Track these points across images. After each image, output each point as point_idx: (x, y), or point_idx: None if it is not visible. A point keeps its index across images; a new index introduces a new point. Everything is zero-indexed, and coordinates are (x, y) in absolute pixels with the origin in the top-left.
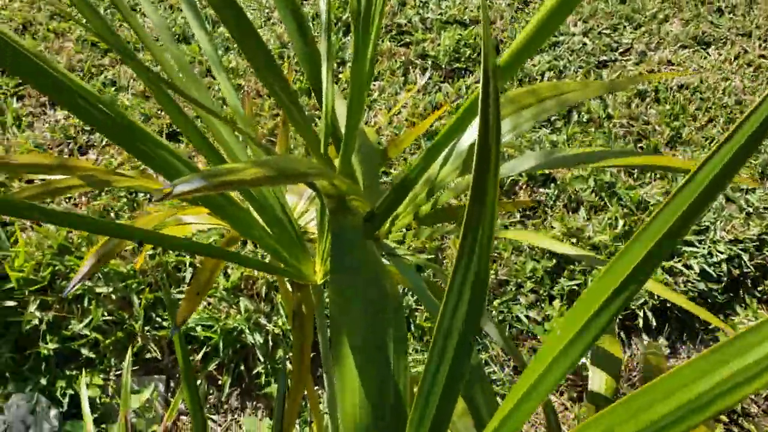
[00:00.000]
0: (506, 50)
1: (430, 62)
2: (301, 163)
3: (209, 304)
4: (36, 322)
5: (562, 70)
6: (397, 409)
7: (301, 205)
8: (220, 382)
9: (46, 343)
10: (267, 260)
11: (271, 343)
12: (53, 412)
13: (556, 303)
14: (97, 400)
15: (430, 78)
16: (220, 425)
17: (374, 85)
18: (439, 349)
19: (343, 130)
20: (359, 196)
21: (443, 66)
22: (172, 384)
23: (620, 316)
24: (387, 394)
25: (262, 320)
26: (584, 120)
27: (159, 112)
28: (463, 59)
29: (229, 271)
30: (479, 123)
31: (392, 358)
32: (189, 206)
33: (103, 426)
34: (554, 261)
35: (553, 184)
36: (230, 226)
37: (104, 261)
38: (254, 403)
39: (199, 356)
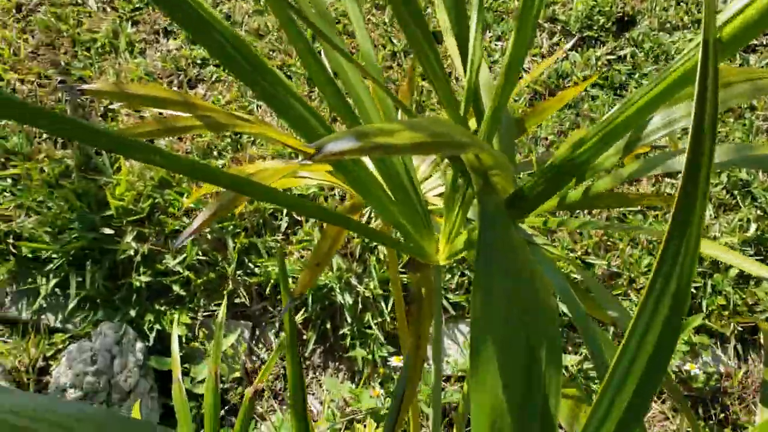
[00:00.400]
0: (731, 23)
1: (559, 27)
2: (457, 131)
3: (302, 257)
4: (131, 252)
5: None
6: (544, 417)
7: (423, 169)
8: (304, 337)
9: (139, 275)
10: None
11: (360, 306)
12: (139, 345)
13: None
14: (183, 339)
15: (557, 44)
16: None
17: (496, 44)
18: (620, 376)
19: (483, 92)
20: (507, 172)
21: (573, 32)
22: (257, 331)
23: (740, 328)
24: (535, 394)
25: (354, 281)
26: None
27: (271, 52)
28: (595, 27)
29: (325, 225)
30: (695, 104)
31: (543, 356)
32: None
33: (186, 366)
34: None
35: (679, 175)
36: (352, 189)
37: (219, 215)
38: (336, 363)
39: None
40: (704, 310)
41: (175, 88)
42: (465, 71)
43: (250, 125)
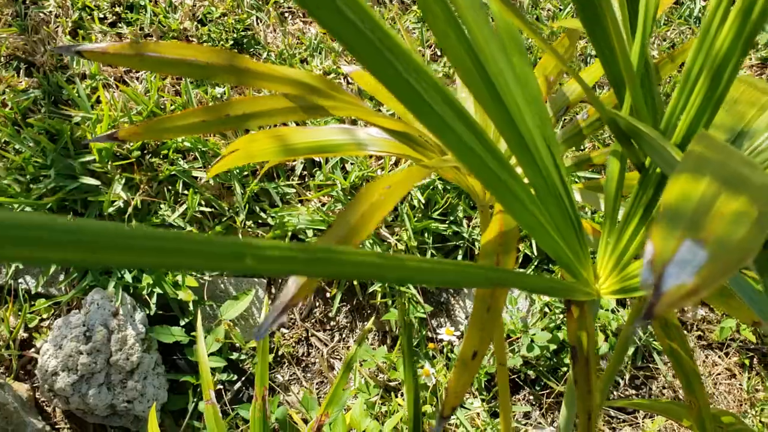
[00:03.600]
0: None
1: None
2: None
3: (323, 204)
4: (120, 204)
5: None
6: None
7: None
8: (328, 295)
9: None
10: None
11: None
12: (139, 315)
13: None
14: (190, 305)
15: None
16: (325, 344)
17: None
18: None
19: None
20: None
21: None
22: (273, 289)
23: None
24: None
25: (383, 230)
26: None
27: None
28: None
29: (348, 167)
30: None
31: None
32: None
33: (194, 335)
34: None
35: None
36: (507, 211)
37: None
38: (366, 324)
39: None
40: None
41: (233, 50)
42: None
43: (339, 105)
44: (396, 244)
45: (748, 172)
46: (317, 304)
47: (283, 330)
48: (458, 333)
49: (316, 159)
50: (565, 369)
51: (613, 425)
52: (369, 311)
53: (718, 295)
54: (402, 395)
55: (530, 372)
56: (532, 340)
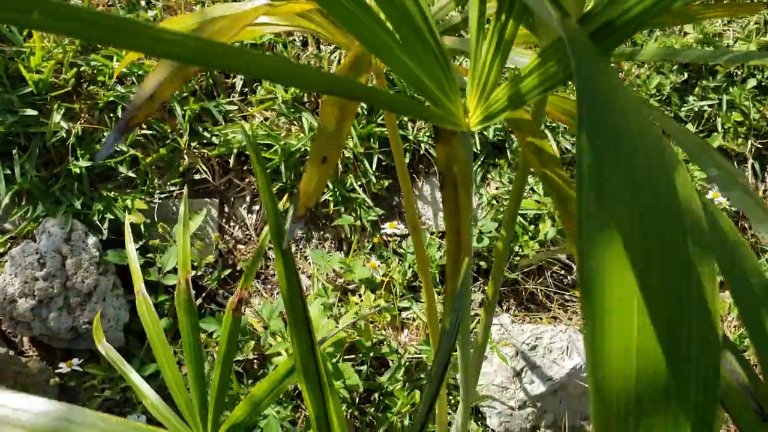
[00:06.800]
0: None
1: None
2: None
3: (266, 119)
4: (63, 134)
5: None
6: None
7: None
8: (280, 207)
9: (77, 160)
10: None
11: (341, 168)
12: (91, 239)
13: (690, 128)
14: (141, 227)
15: None
16: None
17: None
18: None
19: None
20: None
21: None
22: (226, 208)
23: (758, 145)
24: (687, 309)
25: None
26: None
27: None
28: None
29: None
30: None
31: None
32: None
33: (151, 256)
34: (684, 75)
35: None
36: (352, 34)
37: (159, 99)
38: (321, 233)
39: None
40: (720, 130)
41: None
42: None
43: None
44: (342, 152)
45: None
46: None
47: (240, 246)
48: (402, 227)
49: None
50: (517, 259)
51: (568, 306)
52: (323, 221)
53: None
54: (360, 296)
55: (482, 263)
56: (480, 231)
